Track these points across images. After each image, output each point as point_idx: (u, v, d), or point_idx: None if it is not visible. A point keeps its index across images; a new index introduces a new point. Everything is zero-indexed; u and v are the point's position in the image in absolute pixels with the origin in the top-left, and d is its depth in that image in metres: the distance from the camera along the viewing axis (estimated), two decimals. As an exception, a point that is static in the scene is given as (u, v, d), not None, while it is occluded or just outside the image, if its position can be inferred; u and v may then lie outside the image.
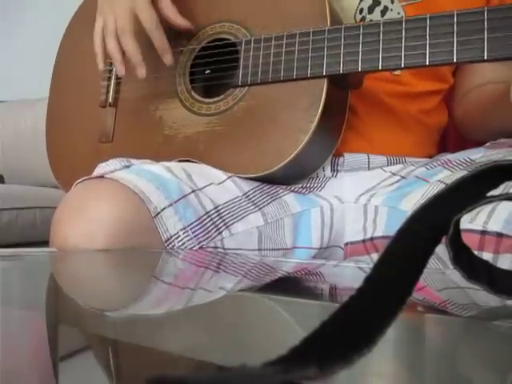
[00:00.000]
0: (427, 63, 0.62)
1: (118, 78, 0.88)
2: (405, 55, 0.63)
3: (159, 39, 0.77)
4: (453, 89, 0.86)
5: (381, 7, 0.77)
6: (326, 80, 0.68)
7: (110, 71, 0.90)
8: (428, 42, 0.62)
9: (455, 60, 0.60)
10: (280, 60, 0.71)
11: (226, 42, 0.79)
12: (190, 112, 0.79)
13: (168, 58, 0.78)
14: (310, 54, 0.69)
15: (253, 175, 0.72)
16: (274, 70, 0.72)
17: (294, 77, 0.70)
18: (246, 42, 0.75)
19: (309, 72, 0.69)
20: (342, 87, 0.72)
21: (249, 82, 0.74)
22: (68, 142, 0.92)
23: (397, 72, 0.77)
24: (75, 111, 0.93)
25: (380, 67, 0.65)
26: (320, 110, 0.68)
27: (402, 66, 0.64)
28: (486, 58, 0.59)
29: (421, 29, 0.63)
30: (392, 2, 0.76)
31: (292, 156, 0.69)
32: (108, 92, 0.89)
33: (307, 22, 0.71)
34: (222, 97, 0.76)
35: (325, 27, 0.69)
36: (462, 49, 0.60)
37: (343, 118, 0.74)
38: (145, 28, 0.76)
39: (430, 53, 0.62)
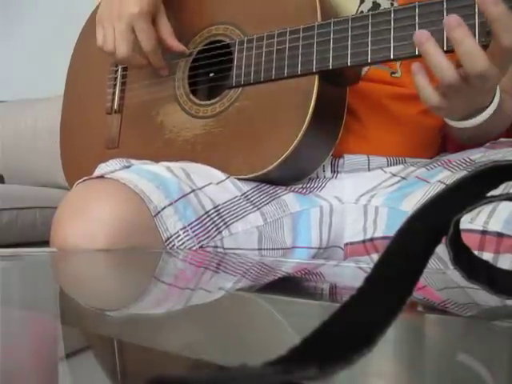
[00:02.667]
0: (417, 53, 0.60)
1: (122, 84, 0.89)
2: (394, 46, 0.61)
3: (155, 60, 0.80)
4: None
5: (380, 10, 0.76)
6: (316, 76, 0.67)
7: (115, 78, 0.90)
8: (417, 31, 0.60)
9: (445, 49, 0.58)
10: (271, 59, 0.71)
11: (221, 43, 0.79)
12: (188, 115, 0.79)
13: (164, 73, 0.83)
14: (300, 51, 0.68)
15: (248, 176, 0.72)
16: (265, 70, 0.71)
17: (285, 75, 0.69)
18: (239, 42, 0.75)
19: (299, 69, 0.68)
20: (338, 83, 0.71)
21: (242, 83, 0.74)
22: (79, 146, 0.94)
23: (396, 74, 0.77)
24: (87, 116, 0.94)
25: (369, 60, 0.63)
26: (311, 108, 0.67)
27: (392, 57, 0.62)
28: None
29: (410, 18, 0.61)
30: (392, 4, 0.76)
31: (284, 156, 0.68)
32: (113, 99, 0.89)
33: (299, 19, 0.70)
34: (217, 99, 0.76)
35: (314, 23, 0.68)
36: None
37: (341, 118, 0.73)
38: (142, 49, 0.78)
39: None
